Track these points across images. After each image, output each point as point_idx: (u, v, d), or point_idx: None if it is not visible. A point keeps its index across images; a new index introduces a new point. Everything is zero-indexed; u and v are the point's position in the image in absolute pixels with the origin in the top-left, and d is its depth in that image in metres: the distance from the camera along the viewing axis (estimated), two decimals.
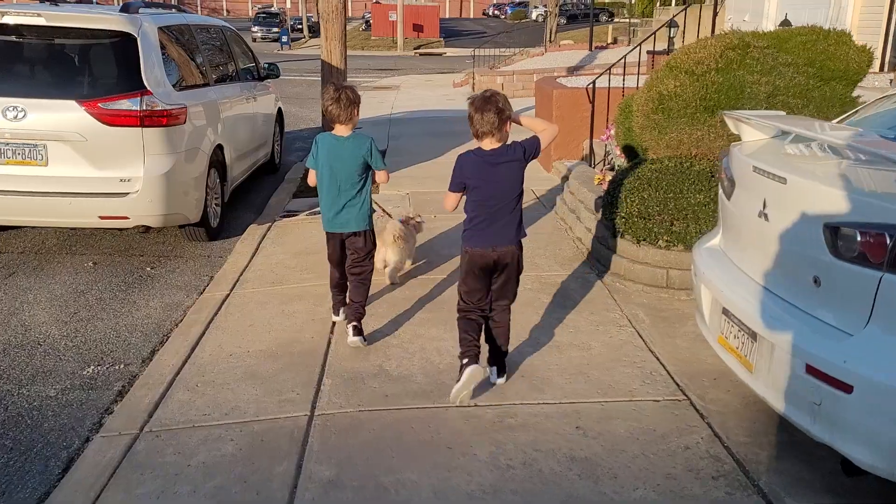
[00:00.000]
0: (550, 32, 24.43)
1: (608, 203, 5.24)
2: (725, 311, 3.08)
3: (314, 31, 52.56)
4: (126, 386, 3.95)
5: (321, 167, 4.13)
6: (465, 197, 3.53)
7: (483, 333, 3.64)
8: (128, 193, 5.50)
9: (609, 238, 5.27)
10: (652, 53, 10.50)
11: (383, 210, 5.57)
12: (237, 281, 5.36)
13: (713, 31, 7.10)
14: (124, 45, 5.55)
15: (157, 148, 5.53)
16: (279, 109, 9.59)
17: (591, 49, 19.29)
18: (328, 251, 4.38)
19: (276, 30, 47.44)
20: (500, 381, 3.67)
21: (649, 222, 4.84)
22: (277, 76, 9.10)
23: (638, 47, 7.24)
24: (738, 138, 3.53)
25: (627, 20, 37.09)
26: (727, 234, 3.37)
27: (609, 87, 7.29)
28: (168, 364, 4.04)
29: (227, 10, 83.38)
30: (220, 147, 6.66)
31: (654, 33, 7.23)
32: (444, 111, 14.95)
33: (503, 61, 20.40)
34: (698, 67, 5.17)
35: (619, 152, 6.33)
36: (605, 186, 6.22)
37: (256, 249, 6.05)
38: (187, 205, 5.92)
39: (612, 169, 6.75)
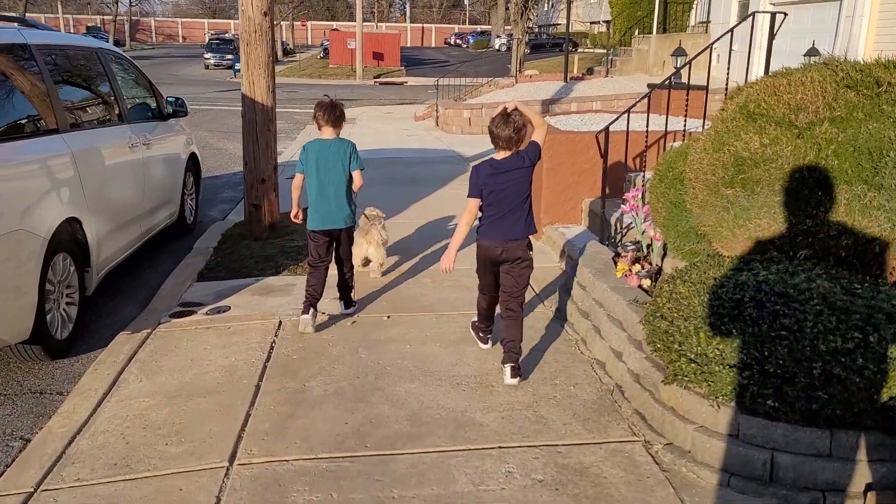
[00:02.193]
0: (519, 62, 22.78)
1: (658, 329, 3.29)
2: None
3: None
4: None
5: (309, 169, 4.57)
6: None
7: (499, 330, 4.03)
8: None
9: (659, 383, 3.32)
10: (653, 88, 8.70)
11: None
12: (59, 457, 3.26)
13: (768, 62, 5.32)
14: None
15: None
16: (192, 154, 7.51)
17: (566, 80, 17.62)
18: (313, 251, 4.66)
19: (229, 57, 45.16)
20: (514, 381, 3.83)
21: (741, 376, 2.89)
22: (185, 114, 7.06)
23: (696, 76, 5.38)
24: None
25: (592, 50, 35.83)
26: None
27: (628, 132, 5.39)
28: None
29: (183, 37, 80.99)
30: (74, 221, 4.57)
31: (690, 62, 5.34)
32: (405, 150, 12.98)
33: (469, 92, 18.61)
34: (800, 116, 3.28)
35: (654, 233, 4.40)
36: (632, 281, 4.29)
37: (113, 384, 3.94)
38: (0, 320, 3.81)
39: (636, 249, 4.83)
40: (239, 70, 39.28)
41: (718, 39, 5.16)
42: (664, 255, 4.58)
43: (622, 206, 4.83)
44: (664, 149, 5.92)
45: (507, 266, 3.86)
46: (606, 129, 5.05)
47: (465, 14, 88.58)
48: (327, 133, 4.60)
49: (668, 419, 3.22)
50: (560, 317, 4.80)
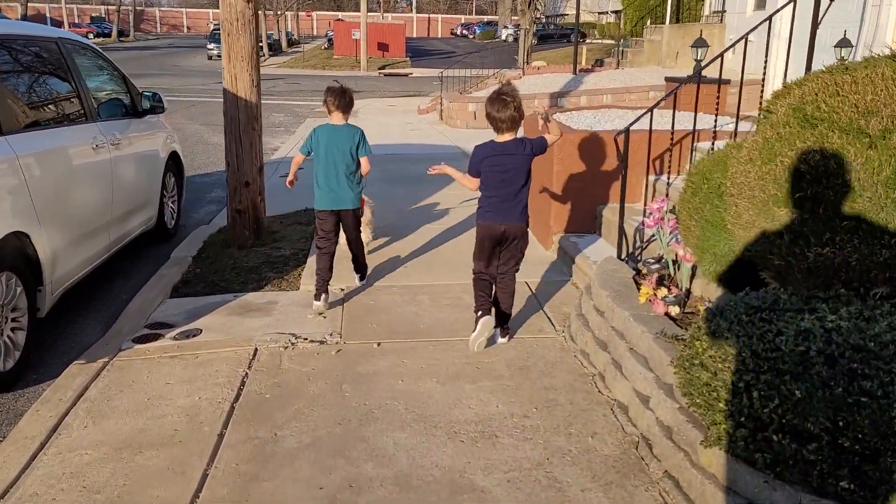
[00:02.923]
0: (526, 53, 22.09)
1: (696, 380, 2.71)
2: None
3: (274, 49, 49.80)
4: None
5: (318, 152, 4.76)
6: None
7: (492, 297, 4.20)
8: None
9: (697, 444, 2.74)
10: (681, 83, 8.09)
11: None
12: None
13: (811, 55, 4.68)
14: None
15: None
16: (173, 153, 6.95)
17: (574, 72, 16.98)
18: (320, 229, 4.84)
19: None
20: (503, 340, 4.22)
21: (807, 449, 2.31)
22: (162, 110, 6.48)
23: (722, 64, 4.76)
24: None
25: (601, 40, 34.99)
26: None
27: (651, 132, 4.79)
28: None
29: (188, 27, 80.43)
30: (21, 235, 4.02)
31: (723, 55, 4.69)
32: (407, 146, 12.40)
33: (475, 84, 17.99)
34: (871, 122, 2.69)
35: (683, 252, 3.82)
36: (657, 308, 3.71)
37: (54, 430, 3.39)
38: None
39: (661, 267, 4.25)
40: None
41: (755, 28, 4.53)
42: (693, 276, 4.01)
43: (644, 218, 4.24)
44: (690, 150, 5.33)
45: (506, 244, 4.04)
46: (627, 129, 4.44)
47: (472, 4, 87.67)
48: (337, 119, 4.78)
49: (710, 490, 2.65)
50: (574, 345, 4.22)
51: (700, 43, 7.73)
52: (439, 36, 73.37)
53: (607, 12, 43.51)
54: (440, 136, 13.88)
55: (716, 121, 4.67)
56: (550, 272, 5.50)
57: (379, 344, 4.24)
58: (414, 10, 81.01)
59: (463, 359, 4.05)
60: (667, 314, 3.72)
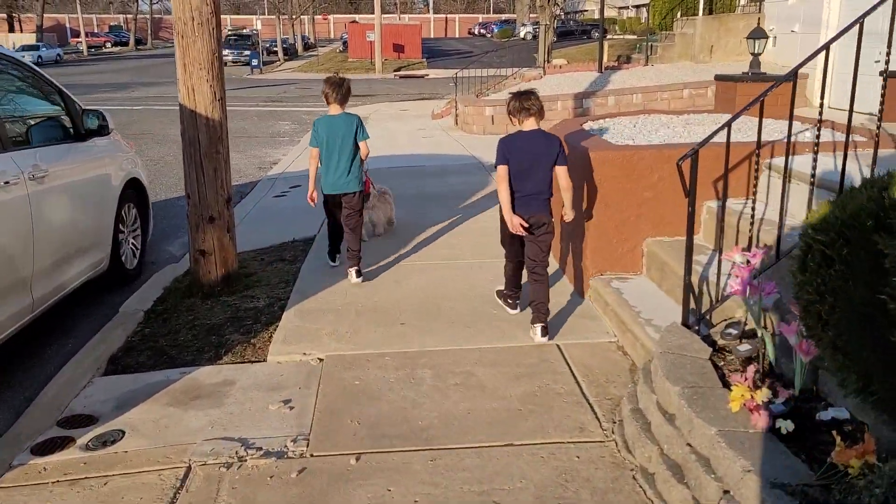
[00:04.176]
0: (546, 51, 20.80)
1: None
2: None
3: (290, 53, 48.94)
4: None
5: (321, 143, 5.03)
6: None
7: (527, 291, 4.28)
8: None
9: None
10: (725, 81, 6.83)
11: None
12: None
13: None
14: None
15: None
16: (133, 181, 5.84)
17: (600, 70, 15.70)
18: (330, 213, 5.35)
19: (247, 52, 43.81)
20: (544, 339, 4.08)
21: None
22: (107, 132, 5.37)
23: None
24: None
25: (622, 36, 33.56)
26: None
27: (728, 146, 3.54)
28: None
29: None
30: None
31: (827, 46, 3.40)
32: (416, 157, 11.21)
33: (493, 86, 16.77)
34: None
35: (796, 339, 2.60)
36: (758, 422, 2.53)
37: None
38: None
39: (750, 340, 3.03)
40: (257, 66, 38.04)
41: (870, 12, 3.28)
42: (806, 371, 2.78)
43: (730, 282, 3.02)
44: (760, 167, 4.12)
45: (530, 236, 4.07)
46: (695, 153, 3.22)
47: (490, 3, 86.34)
48: (335, 109, 5.06)
49: None
50: (631, 458, 3.01)
51: (757, 34, 6.49)
52: (457, 36, 72.12)
53: (627, 7, 42.02)
54: (454, 143, 12.68)
55: (821, 130, 3.42)
56: (588, 330, 4.30)
57: (358, 458, 3.06)
58: (431, 11, 79.90)
59: (475, 484, 2.87)
60: (773, 430, 2.52)
